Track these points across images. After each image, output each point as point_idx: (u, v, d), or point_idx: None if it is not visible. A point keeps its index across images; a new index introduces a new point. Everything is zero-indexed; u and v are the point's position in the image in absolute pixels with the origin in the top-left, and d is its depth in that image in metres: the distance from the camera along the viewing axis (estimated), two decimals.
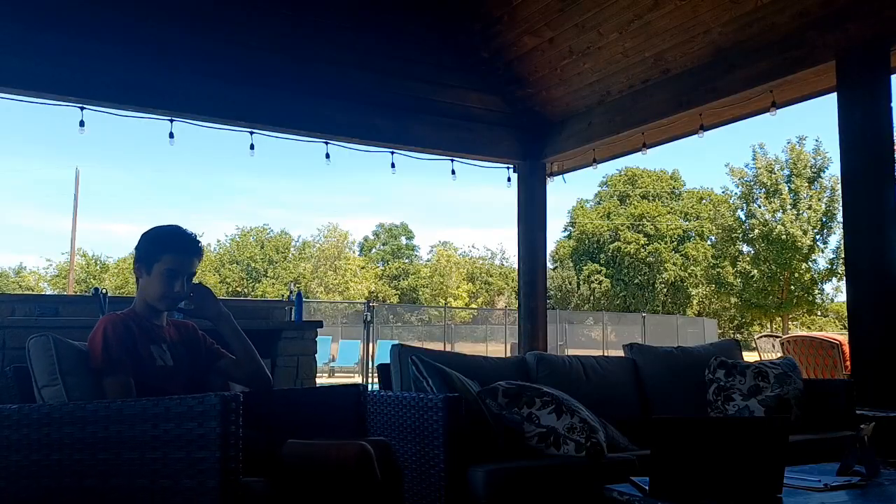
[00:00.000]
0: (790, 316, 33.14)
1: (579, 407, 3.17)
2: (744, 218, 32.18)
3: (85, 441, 2.07)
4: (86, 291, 34.00)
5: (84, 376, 2.28)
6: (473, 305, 40.12)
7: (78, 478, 2.07)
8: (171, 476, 1.94)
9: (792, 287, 30.99)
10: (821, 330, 30.05)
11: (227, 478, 1.88)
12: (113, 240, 60.65)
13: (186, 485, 1.91)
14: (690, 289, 38.08)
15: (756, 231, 30.73)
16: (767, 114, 5.66)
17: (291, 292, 6.54)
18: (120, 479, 2.01)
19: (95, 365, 2.31)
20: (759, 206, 30.80)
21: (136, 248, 2.46)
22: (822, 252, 30.47)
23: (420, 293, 41.94)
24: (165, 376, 2.37)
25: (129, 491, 1.99)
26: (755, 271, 31.02)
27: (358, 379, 16.17)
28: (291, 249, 44.25)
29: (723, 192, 35.05)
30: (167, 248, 2.41)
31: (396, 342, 4.93)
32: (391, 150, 6.67)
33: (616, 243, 39.79)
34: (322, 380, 14.14)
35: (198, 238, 2.52)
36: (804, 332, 21.25)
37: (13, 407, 2.26)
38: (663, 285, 38.67)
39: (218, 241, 44.85)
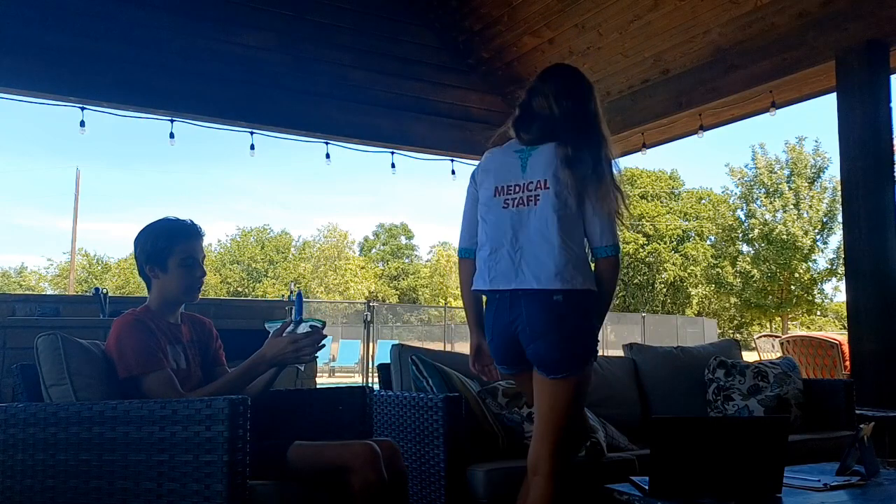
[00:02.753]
0: (790, 316, 33.12)
1: None
2: (743, 218, 32.16)
3: (92, 441, 2.06)
4: (87, 291, 33.97)
5: (92, 376, 2.25)
6: None
7: (84, 479, 2.06)
8: (178, 479, 1.94)
9: (792, 287, 30.97)
10: (820, 330, 30.04)
11: (234, 481, 1.89)
12: (114, 240, 60.63)
13: (193, 488, 1.91)
14: (690, 289, 38.07)
15: (756, 231, 30.71)
16: (767, 114, 5.67)
17: (292, 292, 6.55)
18: (126, 480, 2.01)
19: (128, 372, 2.23)
20: (759, 206, 30.78)
21: (142, 251, 2.38)
22: (822, 252, 30.45)
23: (420, 293, 41.92)
24: (180, 379, 2.33)
25: (135, 493, 1.99)
26: (755, 271, 31.00)
27: (358, 378, 16.17)
28: (291, 250, 44.25)
29: (723, 192, 35.06)
30: (177, 240, 2.36)
31: (396, 342, 4.93)
32: (391, 150, 6.69)
33: None
34: (322, 380, 14.17)
35: (196, 224, 2.46)
36: (804, 332, 21.23)
37: (19, 405, 2.25)
38: (663, 285, 38.66)
39: (218, 241, 44.85)
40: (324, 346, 2.35)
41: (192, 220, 2.45)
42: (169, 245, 2.36)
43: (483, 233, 2.43)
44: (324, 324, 2.35)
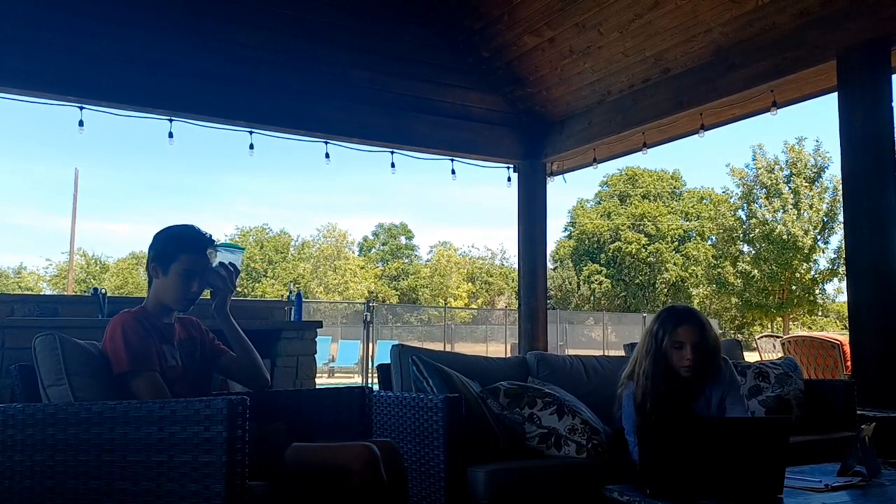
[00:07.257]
0: (791, 316, 33.09)
1: (581, 408, 3.17)
2: (744, 218, 32.14)
3: (90, 442, 2.06)
4: (85, 291, 33.99)
5: (90, 377, 2.25)
6: (473, 306, 40.10)
7: (83, 479, 2.06)
8: (177, 479, 1.93)
9: (793, 287, 30.94)
10: (822, 330, 29.96)
11: (233, 482, 1.88)
12: (112, 240, 60.73)
13: (192, 489, 1.91)
14: (691, 289, 38.05)
15: (756, 231, 30.69)
16: (768, 113, 5.66)
17: (291, 292, 6.53)
18: (125, 481, 2.00)
19: (120, 368, 2.25)
20: (760, 207, 30.76)
21: (152, 248, 2.43)
22: (824, 252, 30.42)
23: (420, 293, 41.91)
24: (175, 377, 2.35)
25: (134, 493, 1.98)
26: (756, 271, 30.97)
27: (357, 379, 16.17)
28: (291, 249, 44.24)
29: (723, 192, 35.05)
30: (184, 248, 2.39)
31: (396, 342, 4.93)
32: (391, 149, 6.67)
33: (616, 243, 39.78)
34: (322, 380, 14.16)
35: (213, 238, 2.49)
36: (805, 333, 21.20)
37: (18, 406, 2.24)
38: (664, 285, 38.66)
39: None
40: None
41: (211, 236, 2.49)
42: (175, 251, 2.39)
43: None
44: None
